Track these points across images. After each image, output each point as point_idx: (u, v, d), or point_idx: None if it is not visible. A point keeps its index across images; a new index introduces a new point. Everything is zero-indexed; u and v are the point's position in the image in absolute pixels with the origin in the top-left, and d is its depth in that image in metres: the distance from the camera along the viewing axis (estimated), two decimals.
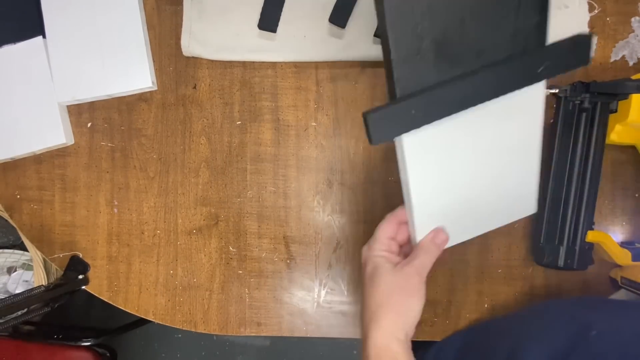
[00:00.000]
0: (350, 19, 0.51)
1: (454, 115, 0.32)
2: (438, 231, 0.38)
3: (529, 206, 0.41)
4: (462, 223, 0.40)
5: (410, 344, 0.37)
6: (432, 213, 0.38)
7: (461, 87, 0.30)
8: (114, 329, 0.98)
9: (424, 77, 0.30)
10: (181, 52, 0.54)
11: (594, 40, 0.29)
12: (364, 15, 0.51)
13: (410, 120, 0.31)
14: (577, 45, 0.31)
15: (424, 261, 0.37)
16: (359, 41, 0.51)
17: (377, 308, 0.36)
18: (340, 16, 0.50)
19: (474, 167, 0.37)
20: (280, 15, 0.52)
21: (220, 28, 0.53)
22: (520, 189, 0.39)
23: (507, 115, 0.34)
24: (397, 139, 0.33)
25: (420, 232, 0.39)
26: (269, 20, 0.51)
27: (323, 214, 0.54)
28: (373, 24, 0.51)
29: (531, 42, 0.31)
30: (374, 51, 0.51)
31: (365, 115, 0.30)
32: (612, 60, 0.51)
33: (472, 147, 0.35)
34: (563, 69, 0.32)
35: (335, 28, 0.51)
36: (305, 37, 0.52)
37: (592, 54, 0.51)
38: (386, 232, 0.40)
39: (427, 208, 0.38)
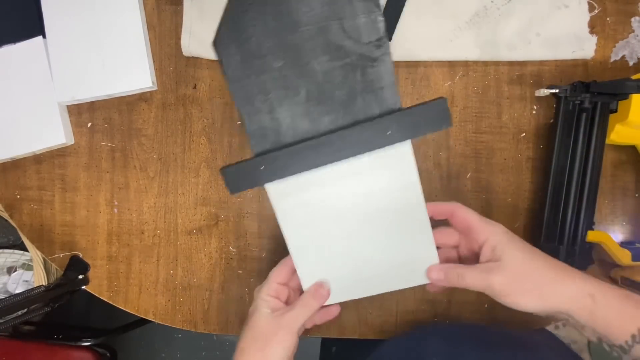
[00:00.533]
0: None
1: (315, 171, 0.35)
2: (320, 285, 0.39)
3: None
4: (351, 280, 0.40)
5: None
6: (317, 264, 0.39)
7: (309, 148, 0.34)
8: (114, 329, 0.98)
9: (273, 140, 0.35)
10: (181, 52, 0.54)
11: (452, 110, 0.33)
12: None
13: (263, 174, 0.35)
14: (435, 109, 0.33)
15: (298, 315, 0.38)
16: None
17: (240, 351, 0.37)
18: None
19: (355, 224, 0.38)
20: None
21: None
22: (416, 253, 0.38)
23: (377, 173, 0.36)
24: (265, 187, 0.36)
25: (306, 281, 0.40)
26: None
27: None
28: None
29: (382, 107, 0.34)
30: None
31: (221, 170, 0.35)
32: (612, 60, 0.51)
33: (350, 203, 0.37)
34: (422, 131, 0.34)
35: None
36: None
37: (593, 52, 0.51)
38: (277, 277, 0.40)
39: (309, 258, 0.39)
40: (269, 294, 0.40)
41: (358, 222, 0.38)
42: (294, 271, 0.40)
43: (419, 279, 0.39)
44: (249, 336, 0.38)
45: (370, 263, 0.39)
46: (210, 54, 0.53)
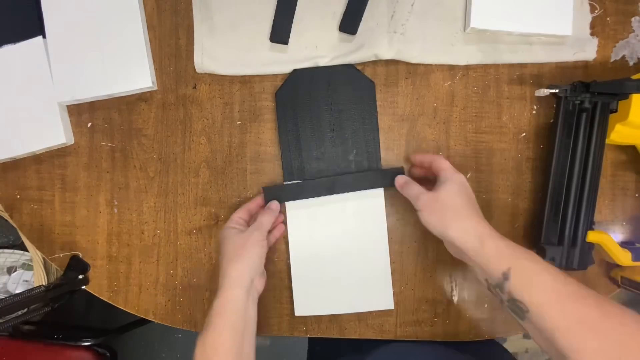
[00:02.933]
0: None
1: (321, 199, 0.52)
2: (271, 202, 0.51)
3: (386, 301, 0.52)
4: (329, 299, 0.52)
5: (256, 289, 0.46)
6: (307, 276, 0.52)
7: (319, 183, 0.52)
8: (114, 329, 0.98)
9: (299, 177, 0.53)
10: (181, 52, 0.54)
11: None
12: (373, 18, 0.51)
13: (290, 195, 0.52)
14: (393, 172, 0.51)
15: (262, 219, 0.48)
16: (367, 43, 0.51)
17: (227, 264, 0.45)
18: (350, 24, 0.50)
19: (337, 247, 0.52)
20: (291, 27, 0.51)
21: (232, 43, 0.53)
22: (377, 282, 0.52)
23: (361, 209, 0.52)
24: (285, 203, 0.53)
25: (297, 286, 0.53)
26: (280, 33, 0.51)
27: None
28: (380, 24, 0.51)
29: (371, 165, 0.52)
30: (384, 51, 0.50)
31: (263, 189, 0.52)
32: (612, 60, 0.51)
33: (338, 228, 0.52)
34: (387, 184, 0.51)
35: (345, 34, 0.51)
36: (317, 47, 0.52)
37: (594, 54, 0.51)
38: (239, 214, 0.50)
39: (301, 268, 0.52)
40: (233, 222, 0.49)
41: (340, 244, 0.52)
42: (250, 214, 0.51)
43: (383, 305, 0.52)
44: (230, 249, 0.45)
45: (344, 283, 0.52)
46: (223, 69, 0.53)
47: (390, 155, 0.53)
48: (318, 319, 0.54)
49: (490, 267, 0.38)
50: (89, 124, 0.56)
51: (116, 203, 0.55)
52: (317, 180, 0.51)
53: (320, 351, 0.68)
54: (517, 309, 0.36)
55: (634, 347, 0.31)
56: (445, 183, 0.43)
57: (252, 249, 0.45)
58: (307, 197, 0.51)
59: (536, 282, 0.36)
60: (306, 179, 0.52)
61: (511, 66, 0.52)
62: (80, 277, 0.55)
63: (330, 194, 0.51)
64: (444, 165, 0.45)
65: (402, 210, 0.53)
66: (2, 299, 0.48)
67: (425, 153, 0.51)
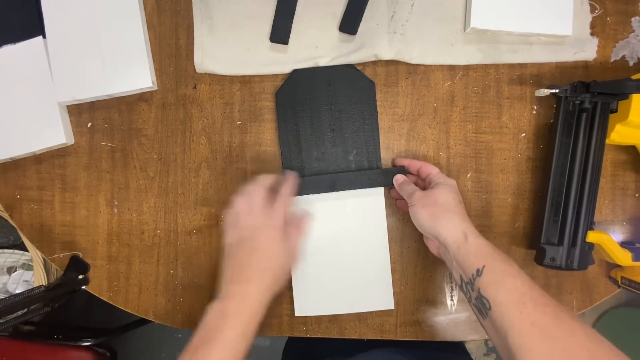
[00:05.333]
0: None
1: (321, 198, 0.52)
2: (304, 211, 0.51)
3: (386, 301, 0.52)
4: (331, 300, 0.52)
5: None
6: (309, 274, 0.52)
7: (318, 180, 0.51)
8: (114, 329, 0.98)
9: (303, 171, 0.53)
10: (181, 52, 0.54)
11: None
12: (373, 19, 0.51)
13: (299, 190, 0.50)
14: (394, 172, 0.51)
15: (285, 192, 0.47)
16: (367, 43, 0.51)
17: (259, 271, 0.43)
18: (350, 24, 0.50)
19: (337, 247, 0.52)
20: (291, 27, 0.52)
21: (232, 43, 0.52)
22: (377, 282, 0.52)
23: (361, 207, 0.52)
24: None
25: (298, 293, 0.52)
26: (280, 33, 0.51)
27: None
28: (380, 24, 0.51)
29: (371, 165, 0.53)
30: (384, 51, 0.50)
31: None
32: (612, 60, 0.51)
33: (339, 227, 0.52)
34: (388, 183, 0.51)
35: (345, 34, 0.51)
36: (317, 47, 0.52)
37: (594, 54, 0.51)
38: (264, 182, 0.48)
39: (305, 270, 0.52)
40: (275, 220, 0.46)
41: (342, 245, 0.52)
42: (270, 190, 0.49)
43: (377, 307, 0.52)
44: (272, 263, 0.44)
45: (346, 284, 0.52)
46: (223, 69, 0.53)
47: (390, 155, 0.53)
48: (318, 319, 0.54)
49: (467, 262, 0.40)
50: (89, 124, 0.56)
51: (116, 203, 0.55)
52: (319, 177, 0.51)
53: (301, 347, 0.68)
54: (482, 305, 0.38)
55: (579, 355, 0.32)
56: (439, 185, 0.45)
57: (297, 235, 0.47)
58: (307, 194, 0.51)
59: (505, 282, 0.37)
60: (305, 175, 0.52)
61: (511, 66, 0.52)
62: (80, 277, 0.55)
63: (332, 190, 0.51)
64: (434, 171, 0.48)
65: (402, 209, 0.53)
66: (2, 299, 0.48)
67: (413, 158, 0.51)
